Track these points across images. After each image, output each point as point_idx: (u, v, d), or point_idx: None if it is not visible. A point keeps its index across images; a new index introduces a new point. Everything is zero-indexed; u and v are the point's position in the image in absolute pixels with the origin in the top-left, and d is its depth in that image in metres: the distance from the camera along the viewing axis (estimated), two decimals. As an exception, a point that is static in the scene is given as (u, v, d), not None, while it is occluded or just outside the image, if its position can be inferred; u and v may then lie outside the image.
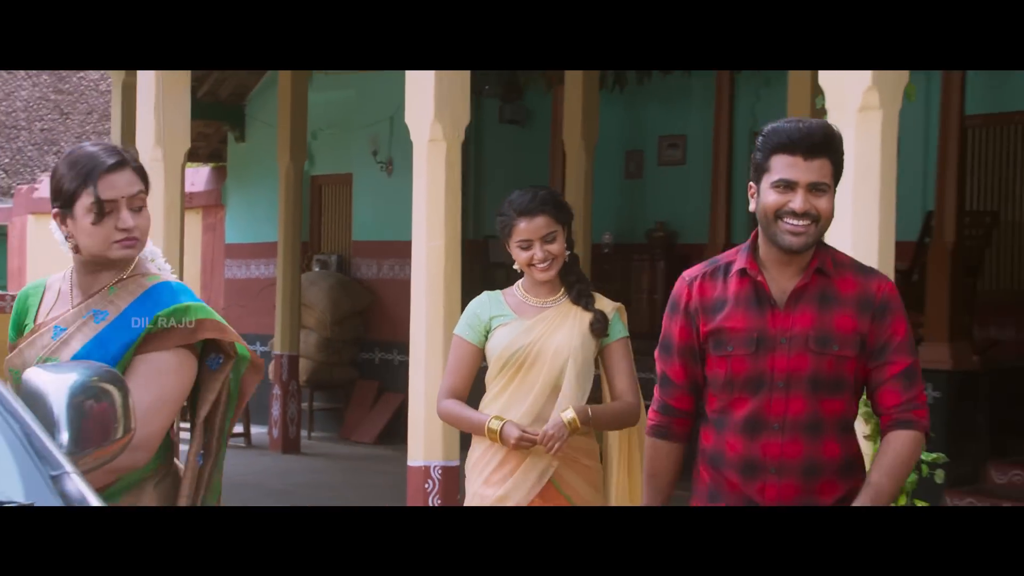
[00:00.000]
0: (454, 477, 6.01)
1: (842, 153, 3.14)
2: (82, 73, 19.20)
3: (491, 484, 4.00)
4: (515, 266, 4.07)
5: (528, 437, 3.90)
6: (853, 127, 4.61)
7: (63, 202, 3.04)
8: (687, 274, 3.21)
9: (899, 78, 4.67)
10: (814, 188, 3.03)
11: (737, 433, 3.08)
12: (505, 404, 4.01)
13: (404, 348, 12.37)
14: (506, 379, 4.03)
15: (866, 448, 4.62)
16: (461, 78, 6.03)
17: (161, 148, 7.22)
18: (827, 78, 4.71)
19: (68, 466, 2.33)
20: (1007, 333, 9.55)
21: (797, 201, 3.01)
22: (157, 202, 7.35)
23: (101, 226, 3.02)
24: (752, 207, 3.09)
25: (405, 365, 12.44)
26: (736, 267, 3.13)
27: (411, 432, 6.04)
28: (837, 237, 4.65)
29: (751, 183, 3.10)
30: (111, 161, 3.03)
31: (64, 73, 18.62)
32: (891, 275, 4.69)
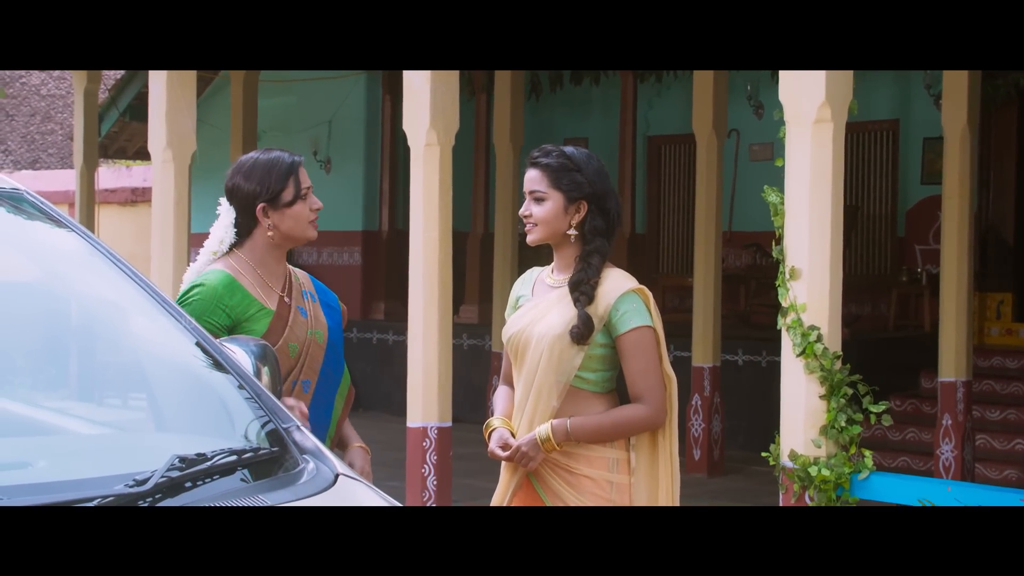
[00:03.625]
0: (447, 437, 6.26)
1: None
2: (24, 78, 18.80)
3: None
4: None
5: (498, 455, 3.29)
6: (809, 136, 4.94)
7: (272, 195, 3.31)
8: None
9: (846, 95, 5.00)
10: None
11: None
12: (517, 397, 3.35)
13: (342, 326, 12.65)
14: (515, 368, 3.35)
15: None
16: (452, 91, 6.25)
17: (171, 150, 7.32)
18: (786, 95, 5.02)
19: (296, 421, 2.53)
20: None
21: None
22: (168, 198, 7.45)
23: (302, 207, 3.33)
24: None
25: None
26: None
27: (410, 397, 6.25)
28: (797, 231, 4.98)
29: None
30: (300, 159, 3.39)
31: (7, 78, 18.22)
32: (839, 270, 5.04)
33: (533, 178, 3.29)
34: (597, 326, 3.22)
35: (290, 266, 3.44)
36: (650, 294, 3.29)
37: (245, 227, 3.35)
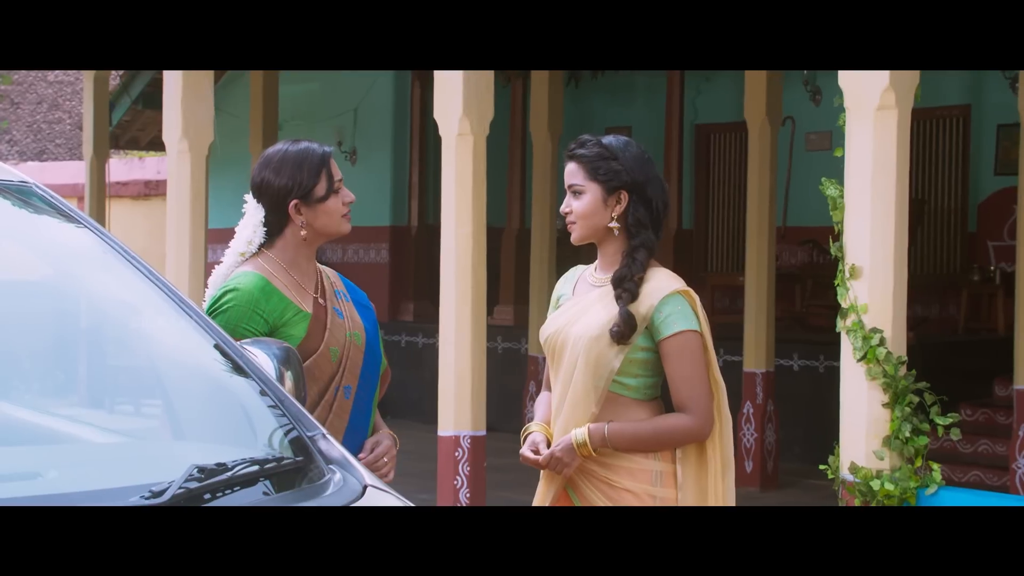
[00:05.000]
0: (481, 446, 6.28)
1: None
2: (31, 64, 18.94)
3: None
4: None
5: (529, 459, 3.31)
6: (871, 124, 4.92)
7: (305, 191, 3.32)
8: None
9: (912, 79, 4.98)
10: None
11: None
12: (554, 402, 3.37)
13: (368, 328, 12.68)
14: (552, 371, 3.37)
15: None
16: (486, 77, 6.27)
17: (187, 140, 7.39)
18: (846, 79, 5.00)
19: (321, 429, 2.54)
20: None
21: None
22: (184, 191, 7.51)
23: (335, 201, 3.34)
24: None
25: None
26: None
27: (441, 404, 6.28)
28: (858, 226, 4.97)
29: None
30: (330, 150, 3.40)
31: (13, 64, 18.38)
32: (904, 268, 5.01)
33: (571, 171, 3.31)
34: (639, 327, 3.22)
35: (319, 264, 3.46)
36: (697, 297, 3.28)
37: (275, 225, 3.36)
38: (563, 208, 3.32)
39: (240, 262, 3.37)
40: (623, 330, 3.19)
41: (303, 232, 3.33)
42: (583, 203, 3.27)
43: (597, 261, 3.38)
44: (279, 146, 3.41)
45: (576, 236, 3.32)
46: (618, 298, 3.22)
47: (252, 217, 3.36)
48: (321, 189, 3.32)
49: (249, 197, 3.39)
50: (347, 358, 3.35)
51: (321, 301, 3.38)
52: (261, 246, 3.37)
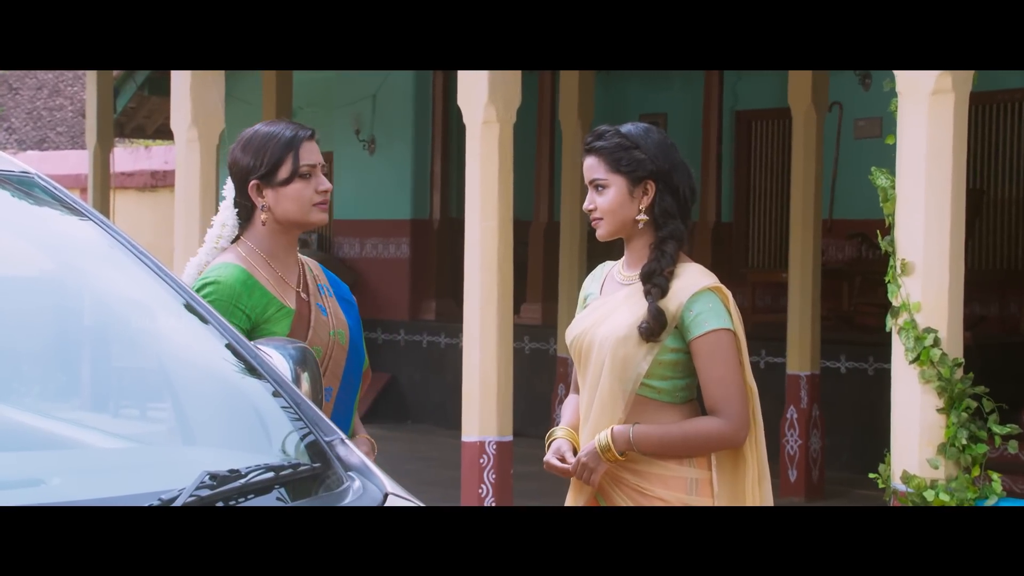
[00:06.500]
0: (508, 452, 6.28)
1: None
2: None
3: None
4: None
5: (555, 466, 3.34)
6: (926, 110, 4.90)
7: (266, 171, 3.28)
8: None
9: (969, 62, 4.96)
10: None
11: None
12: (581, 407, 3.40)
13: (388, 327, 12.72)
14: (579, 375, 3.40)
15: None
16: (513, 60, 6.27)
17: (196, 128, 7.42)
18: (899, 62, 4.98)
19: (340, 433, 2.55)
20: None
21: None
22: (193, 180, 7.54)
23: (302, 187, 3.30)
24: None
25: (389, 344, 12.80)
26: None
27: (465, 408, 6.29)
28: (910, 219, 4.95)
29: None
30: (308, 132, 3.35)
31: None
32: (960, 264, 4.98)
33: (591, 165, 3.31)
34: (668, 325, 3.23)
35: (301, 256, 3.44)
36: (729, 293, 3.29)
37: (245, 209, 3.33)
38: (586, 205, 3.33)
39: (218, 251, 3.34)
40: (652, 326, 3.20)
41: (263, 216, 3.29)
42: (608, 198, 3.28)
43: (624, 257, 3.39)
44: (257, 126, 3.39)
45: (603, 232, 3.32)
46: (647, 293, 3.23)
47: (227, 200, 3.35)
48: (284, 171, 3.28)
49: (229, 180, 3.37)
50: (330, 359, 3.34)
51: (304, 296, 3.36)
52: (239, 235, 3.35)
